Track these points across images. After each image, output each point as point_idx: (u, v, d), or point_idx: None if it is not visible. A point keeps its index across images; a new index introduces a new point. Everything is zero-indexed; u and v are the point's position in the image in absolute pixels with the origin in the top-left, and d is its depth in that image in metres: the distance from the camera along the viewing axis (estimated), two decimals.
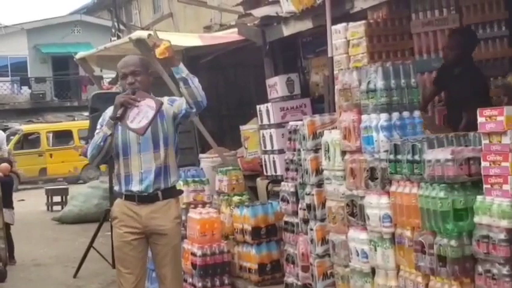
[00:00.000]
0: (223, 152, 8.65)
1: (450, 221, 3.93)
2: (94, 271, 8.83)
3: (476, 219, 3.83)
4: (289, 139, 6.16)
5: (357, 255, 4.74)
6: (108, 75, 14.09)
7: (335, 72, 5.80)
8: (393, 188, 4.41)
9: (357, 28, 5.74)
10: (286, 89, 7.67)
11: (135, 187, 4.70)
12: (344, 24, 5.82)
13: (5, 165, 10.04)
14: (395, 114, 4.50)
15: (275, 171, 7.50)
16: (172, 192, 4.83)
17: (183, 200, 7.36)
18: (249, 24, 8.46)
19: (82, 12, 35.94)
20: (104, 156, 4.72)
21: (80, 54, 10.80)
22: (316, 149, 5.45)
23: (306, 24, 7.02)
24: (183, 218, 7.10)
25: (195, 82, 4.65)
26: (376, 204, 4.52)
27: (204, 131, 8.66)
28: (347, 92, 4.83)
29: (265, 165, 7.70)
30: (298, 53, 9.22)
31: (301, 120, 5.81)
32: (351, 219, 4.80)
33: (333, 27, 5.93)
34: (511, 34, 6.38)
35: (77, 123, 25.62)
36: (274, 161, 7.51)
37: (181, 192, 5.13)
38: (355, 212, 4.75)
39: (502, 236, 3.67)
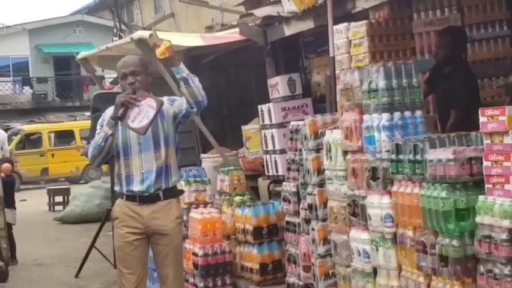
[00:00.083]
0: (224, 152, 8.65)
1: (452, 221, 3.93)
2: (95, 271, 8.84)
3: (478, 219, 3.83)
4: (291, 139, 6.16)
5: (359, 255, 4.74)
6: (110, 75, 14.08)
7: (336, 72, 5.80)
8: (394, 188, 4.41)
9: (359, 28, 5.74)
10: (288, 89, 7.67)
11: (136, 187, 4.70)
12: (345, 24, 5.82)
13: (6, 165, 10.05)
14: (397, 114, 4.50)
15: (277, 171, 7.50)
16: (173, 192, 4.82)
17: (185, 200, 7.36)
18: (250, 24, 8.46)
19: (83, 12, 35.96)
20: (105, 156, 4.71)
21: (82, 54, 10.82)
22: (317, 149, 5.45)
23: (308, 24, 7.02)
24: (185, 218, 7.12)
25: (195, 82, 4.64)
26: (378, 204, 4.52)
27: (205, 131, 8.66)
28: (348, 91, 4.82)
29: (267, 165, 7.70)
30: (299, 53, 9.22)
31: (302, 120, 5.81)
32: (353, 219, 4.79)
33: (335, 27, 5.93)
34: None
35: (79, 123, 25.62)
36: (275, 161, 7.51)
37: (182, 192, 5.13)
38: (357, 212, 4.75)
39: (504, 236, 3.67)
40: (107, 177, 12.86)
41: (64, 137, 24.69)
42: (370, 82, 4.58)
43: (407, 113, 4.51)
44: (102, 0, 30.90)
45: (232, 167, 7.84)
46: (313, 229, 5.50)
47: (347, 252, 4.94)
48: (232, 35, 8.94)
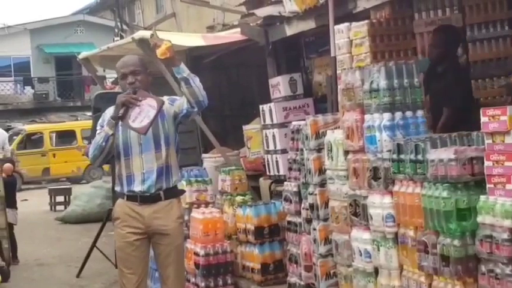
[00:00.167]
0: (226, 152, 8.65)
1: (453, 221, 3.93)
2: (97, 271, 8.84)
3: (479, 218, 3.82)
4: (292, 139, 6.16)
5: (360, 255, 4.73)
6: (111, 75, 14.08)
7: (337, 72, 5.80)
8: (396, 188, 4.41)
9: (360, 28, 5.74)
10: (289, 89, 7.67)
11: (137, 187, 4.70)
12: (346, 24, 5.82)
13: (8, 165, 10.06)
14: (398, 114, 4.50)
15: (278, 171, 7.51)
16: (174, 192, 4.83)
17: (186, 200, 7.37)
18: (251, 24, 8.46)
19: (84, 12, 35.98)
20: (106, 156, 4.71)
21: (83, 54, 10.83)
22: (319, 149, 5.45)
23: (309, 24, 7.02)
24: (186, 217, 7.12)
25: (196, 82, 4.64)
26: (379, 204, 4.51)
27: (206, 131, 8.67)
28: (349, 91, 4.82)
29: (268, 165, 7.70)
30: (301, 53, 9.22)
31: (304, 120, 5.81)
32: (354, 219, 4.79)
33: (336, 27, 5.93)
34: None
35: (80, 123, 25.63)
36: (277, 161, 7.51)
37: (182, 192, 5.13)
38: (358, 211, 4.75)
39: (505, 235, 3.67)
40: (108, 177, 12.88)
41: (65, 137, 24.71)
42: (371, 82, 4.58)
43: (409, 113, 4.51)
44: (103, 0, 30.91)
45: (233, 167, 7.85)
46: (314, 229, 5.50)
47: (348, 252, 4.94)
48: (234, 35, 8.95)
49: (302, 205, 5.80)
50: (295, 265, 6.02)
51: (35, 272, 9.37)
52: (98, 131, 4.74)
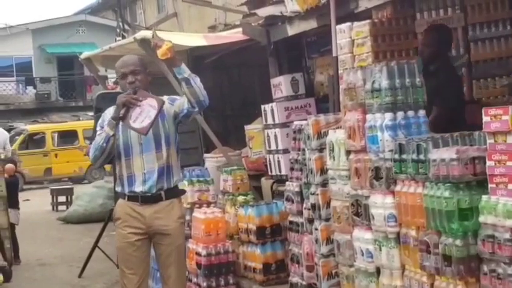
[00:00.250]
0: (227, 152, 8.65)
1: (455, 221, 3.92)
2: (98, 271, 8.84)
3: (482, 218, 3.82)
4: (294, 139, 6.15)
5: (362, 255, 4.73)
6: (113, 75, 14.03)
7: (339, 72, 5.79)
8: (398, 188, 4.40)
9: (362, 27, 5.74)
10: (291, 89, 7.67)
11: (138, 188, 4.70)
12: (348, 23, 5.82)
13: (9, 165, 10.06)
14: (400, 114, 4.49)
15: (280, 171, 7.50)
16: (175, 192, 4.82)
17: (188, 200, 7.37)
18: (253, 24, 8.46)
19: (86, 12, 36.01)
20: (107, 157, 4.71)
21: (85, 54, 10.83)
22: (321, 149, 5.45)
23: (311, 24, 7.02)
24: (188, 217, 7.13)
25: (196, 82, 4.64)
26: (381, 203, 4.51)
27: (208, 131, 8.67)
28: (351, 91, 4.82)
29: (270, 165, 7.70)
30: (302, 53, 9.22)
31: (305, 119, 5.80)
32: (356, 219, 4.79)
33: (338, 26, 5.93)
34: None
35: (82, 123, 25.66)
36: (278, 161, 7.51)
37: (183, 192, 5.12)
38: (360, 211, 4.74)
39: (507, 235, 3.66)
40: (110, 177, 12.88)
41: (67, 137, 24.73)
42: (373, 82, 4.57)
43: (410, 113, 4.50)
44: (105, 0, 30.93)
45: (235, 167, 7.85)
46: (316, 229, 5.49)
47: (350, 252, 4.94)
48: (235, 35, 8.95)
49: (304, 205, 5.80)
50: (297, 265, 6.02)
51: (37, 272, 9.37)
52: (98, 132, 4.74)
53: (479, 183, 3.94)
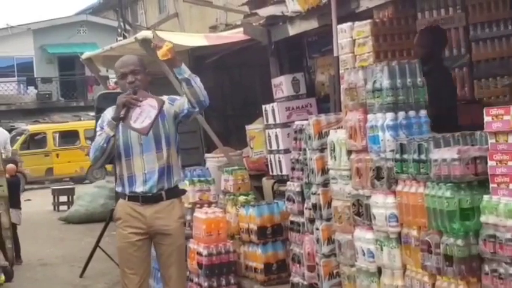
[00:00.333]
0: (228, 152, 8.65)
1: (456, 221, 3.92)
2: (100, 271, 8.85)
3: (483, 218, 3.82)
4: (295, 139, 6.15)
5: (363, 254, 4.73)
6: (114, 75, 14.10)
7: (340, 72, 5.79)
8: (399, 188, 4.40)
9: (363, 27, 5.74)
10: (292, 89, 7.67)
11: (139, 188, 4.69)
12: (349, 23, 5.82)
13: (11, 165, 10.06)
14: (401, 114, 4.49)
15: (281, 171, 7.50)
16: (175, 192, 4.82)
17: (189, 200, 7.37)
18: (254, 24, 8.45)
19: (87, 12, 36.03)
20: (107, 157, 4.71)
21: (86, 54, 10.83)
22: (322, 149, 5.44)
23: (312, 24, 7.01)
24: (189, 217, 7.13)
25: (197, 82, 4.64)
26: (382, 203, 4.51)
27: (209, 131, 8.67)
28: (352, 91, 4.82)
29: (271, 164, 7.69)
30: (303, 53, 9.22)
31: (307, 119, 5.80)
32: (357, 219, 4.79)
33: (339, 26, 5.93)
34: None
35: (84, 123, 25.67)
36: (280, 161, 7.51)
37: (184, 191, 5.12)
38: (361, 211, 4.74)
39: (509, 235, 3.66)
40: (111, 177, 12.86)
41: (69, 137, 24.75)
42: (374, 81, 4.57)
43: (412, 113, 4.50)
44: (106, 0, 30.95)
45: (236, 167, 7.85)
46: (317, 229, 5.49)
47: (351, 252, 4.94)
48: (236, 35, 8.94)
49: (305, 205, 5.79)
50: (298, 265, 6.02)
51: (38, 272, 9.38)
52: (98, 133, 4.74)
53: (481, 183, 3.94)
